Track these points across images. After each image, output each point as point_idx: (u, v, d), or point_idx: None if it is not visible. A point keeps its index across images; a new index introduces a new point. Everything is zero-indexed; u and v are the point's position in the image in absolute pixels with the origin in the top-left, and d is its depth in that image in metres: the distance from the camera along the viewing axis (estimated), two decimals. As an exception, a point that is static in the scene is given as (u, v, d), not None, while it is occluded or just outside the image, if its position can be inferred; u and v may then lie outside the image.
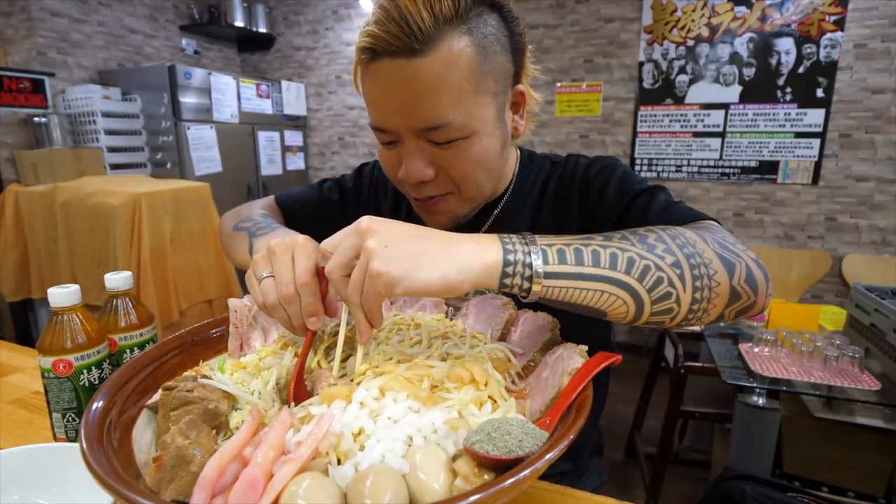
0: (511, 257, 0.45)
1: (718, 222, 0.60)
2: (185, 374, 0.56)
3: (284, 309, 0.51)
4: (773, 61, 2.75)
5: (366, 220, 0.46)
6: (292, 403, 0.49)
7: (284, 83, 3.60)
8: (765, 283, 0.52)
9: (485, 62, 0.59)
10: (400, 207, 0.86)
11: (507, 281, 0.45)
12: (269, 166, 3.50)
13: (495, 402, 0.48)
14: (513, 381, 0.54)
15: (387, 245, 0.44)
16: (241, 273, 0.65)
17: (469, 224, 0.77)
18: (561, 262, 0.46)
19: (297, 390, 0.51)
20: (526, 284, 0.45)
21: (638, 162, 3.10)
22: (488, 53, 0.60)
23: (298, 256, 0.52)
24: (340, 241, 0.47)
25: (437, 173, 0.64)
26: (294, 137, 3.76)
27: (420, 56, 0.56)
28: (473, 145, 0.62)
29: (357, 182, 0.90)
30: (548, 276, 0.45)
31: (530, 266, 0.45)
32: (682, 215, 0.62)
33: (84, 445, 0.39)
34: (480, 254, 0.45)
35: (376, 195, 0.88)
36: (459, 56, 0.57)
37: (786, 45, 2.71)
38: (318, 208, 0.89)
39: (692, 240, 0.51)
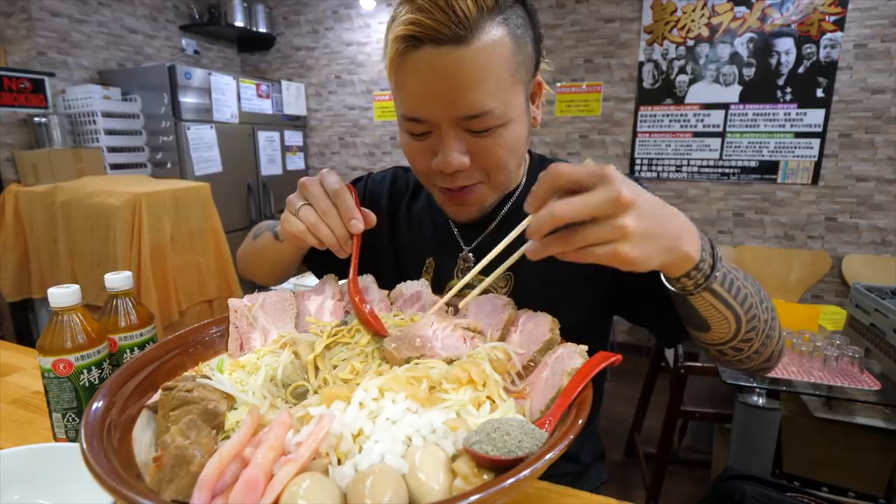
0: (704, 256, 0.48)
1: None
2: (185, 374, 0.56)
3: (326, 224, 0.58)
4: (773, 61, 2.75)
5: (627, 190, 0.40)
6: (356, 298, 0.61)
7: (284, 83, 3.60)
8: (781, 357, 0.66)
9: (518, 52, 0.61)
10: (397, 211, 0.87)
11: (685, 279, 0.49)
12: (269, 166, 3.50)
13: (493, 402, 0.48)
14: (512, 382, 0.54)
15: (643, 231, 0.40)
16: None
17: (478, 220, 0.77)
18: (722, 283, 0.51)
19: (353, 293, 0.61)
20: (692, 290, 0.50)
21: (638, 162, 3.10)
22: (520, 43, 0.62)
23: (326, 179, 0.60)
24: (589, 198, 0.40)
25: (472, 162, 0.65)
26: (294, 137, 3.75)
27: (464, 44, 0.57)
28: (508, 132, 0.63)
29: None
30: (710, 291, 0.50)
31: (707, 278, 0.49)
32: None
33: (84, 445, 0.39)
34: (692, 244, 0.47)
35: (373, 206, 0.90)
36: (499, 45, 0.59)
37: (786, 45, 2.71)
38: None
39: (774, 307, 0.61)
